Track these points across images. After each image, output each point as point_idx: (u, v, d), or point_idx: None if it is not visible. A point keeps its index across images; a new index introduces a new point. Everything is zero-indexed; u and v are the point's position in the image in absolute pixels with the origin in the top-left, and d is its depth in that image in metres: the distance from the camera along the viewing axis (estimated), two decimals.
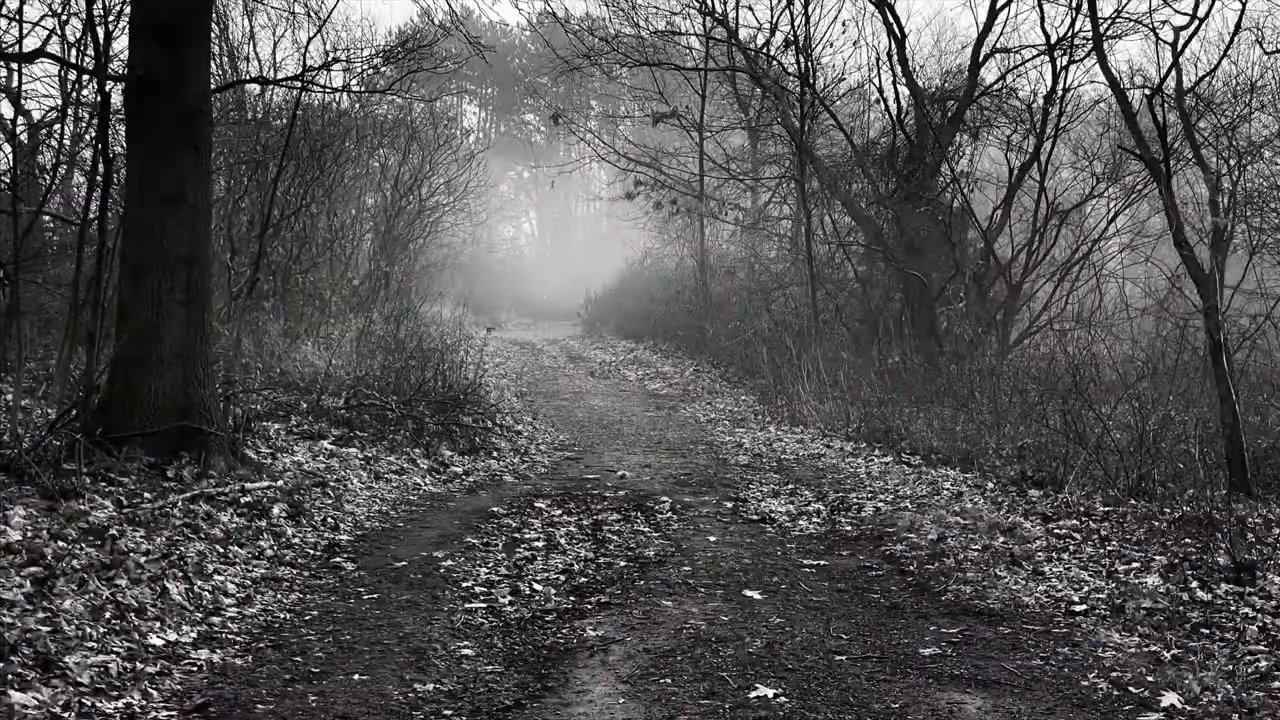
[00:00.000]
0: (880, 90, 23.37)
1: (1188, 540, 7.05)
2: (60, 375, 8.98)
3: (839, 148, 19.27)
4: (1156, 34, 12.01)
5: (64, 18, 12.20)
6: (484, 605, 5.95)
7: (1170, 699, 4.52)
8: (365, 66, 15.46)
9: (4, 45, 10.56)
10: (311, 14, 17.33)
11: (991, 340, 15.28)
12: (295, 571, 6.50)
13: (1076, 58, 15.50)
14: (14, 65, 11.96)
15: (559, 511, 8.57)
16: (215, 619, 5.44)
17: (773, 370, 16.32)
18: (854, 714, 4.40)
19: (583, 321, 30.08)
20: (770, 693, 4.59)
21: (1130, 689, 4.69)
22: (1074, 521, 7.75)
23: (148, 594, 5.40)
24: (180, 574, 5.81)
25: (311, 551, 6.98)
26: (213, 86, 9.28)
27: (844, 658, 5.10)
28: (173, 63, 7.80)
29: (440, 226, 25.24)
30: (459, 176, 24.60)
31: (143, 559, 5.76)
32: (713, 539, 7.68)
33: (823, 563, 7.04)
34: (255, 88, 16.10)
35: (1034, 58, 16.60)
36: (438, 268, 27.20)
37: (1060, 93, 15.60)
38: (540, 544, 7.42)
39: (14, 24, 10.51)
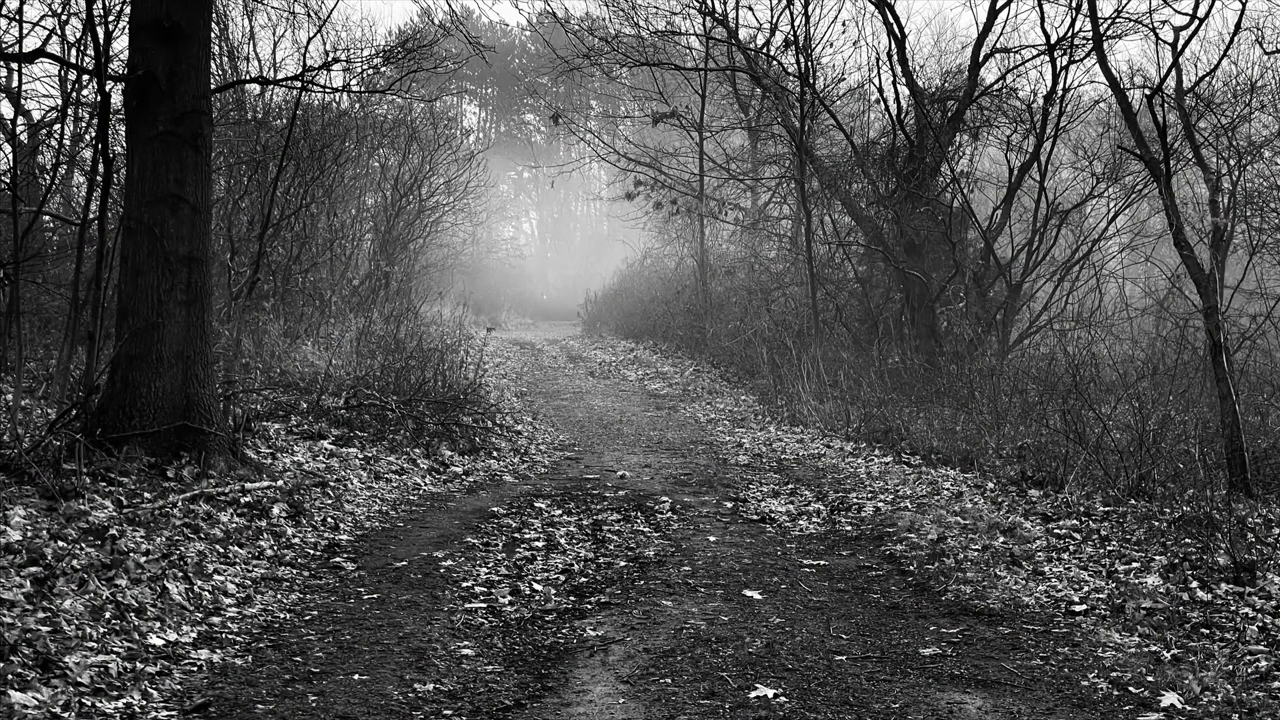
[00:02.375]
0: (880, 90, 23.44)
1: (1188, 540, 7.05)
2: (60, 375, 8.98)
3: (839, 148, 19.27)
4: (1156, 34, 12.06)
5: (64, 18, 12.23)
6: (484, 605, 5.95)
7: (1170, 699, 4.52)
8: (365, 66, 15.46)
9: (4, 45, 10.57)
10: (311, 14, 17.35)
11: (991, 340, 15.28)
12: (295, 571, 6.50)
13: (1076, 58, 15.51)
14: (14, 65, 11.97)
15: (559, 511, 8.57)
16: (215, 619, 5.44)
17: (773, 370, 16.32)
18: (854, 714, 4.40)
19: (583, 321, 30.09)
20: (770, 693, 4.59)
21: (1130, 689, 4.69)
22: (1074, 521, 7.76)
23: (148, 594, 5.40)
24: (180, 574, 5.81)
25: (311, 551, 6.98)
26: (213, 86, 9.27)
27: (844, 658, 5.10)
28: (173, 62, 7.81)
29: (440, 226, 25.23)
30: (459, 176, 24.59)
31: (143, 559, 5.76)
32: (713, 539, 7.68)
33: (823, 563, 7.04)
34: (255, 88, 16.11)
35: (1034, 58, 16.62)
36: (438, 268, 27.19)
37: (1060, 93, 15.61)
38: (540, 544, 7.42)
39: (14, 24, 10.52)
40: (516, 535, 7.71)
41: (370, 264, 20.30)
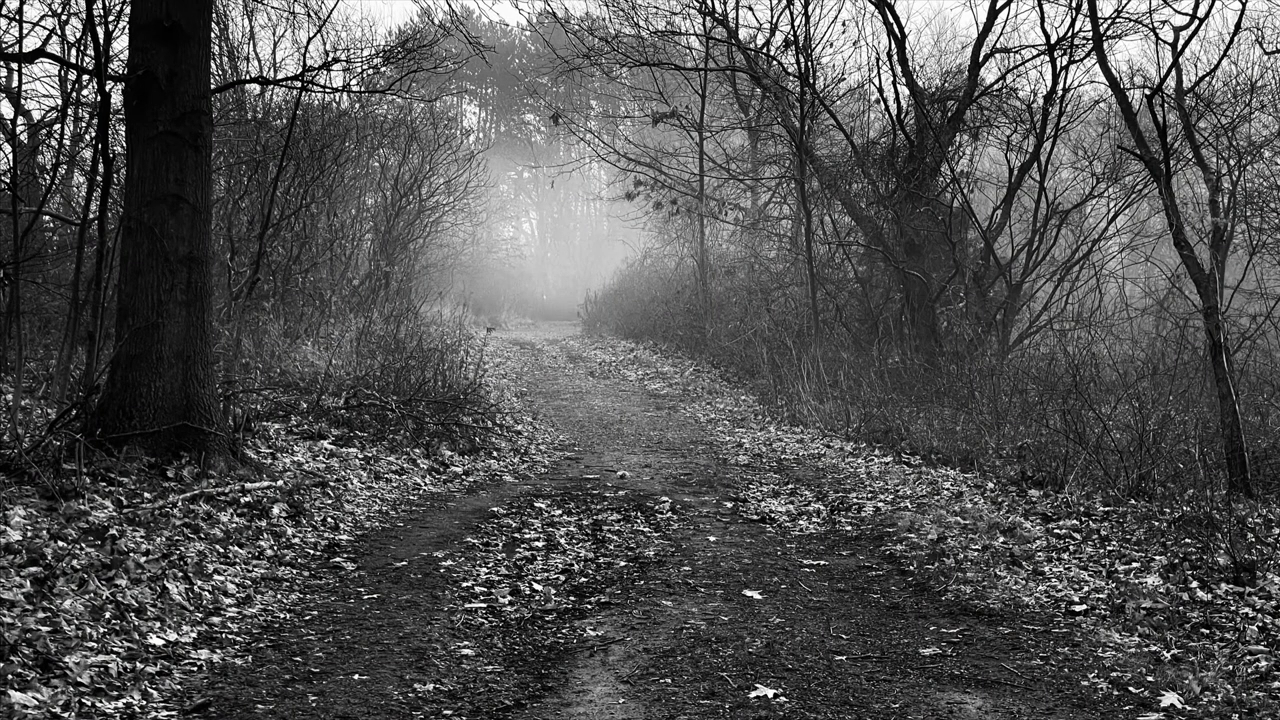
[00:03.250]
0: (880, 90, 23.43)
1: (1188, 540, 7.05)
2: (60, 375, 8.99)
3: (839, 148, 19.28)
4: (1156, 34, 12.06)
5: (64, 18, 12.24)
6: (484, 605, 5.95)
7: (1170, 699, 4.52)
8: (365, 66, 15.46)
9: (4, 45, 10.57)
10: (311, 14, 17.36)
11: (991, 340, 15.28)
12: (295, 571, 6.50)
13: (1076, 58, 15.51)
14: (14, 65, 11.97)
15: (559, 511, 8.57)
16: (215, 619, 5.44)
17: (773, 370, 16.32)
18: (854, 714, 4.40)
19: (583, 321, 30.08)
20: (770, 693, 4.59)
21: (1130, 689, 4.69)
22: (1074, 521, 7.76)
23: (148, 594, 5.40)
24: (180, 574, 5.81)
25: (311, 551, 6.98)
26: (213, 86, 9.27)
27: (844, 658, 5.10)
28: (173, 62, 7.81)
29: (440, 226, 25.23)
30: (459, 176, 24.60)
31: (143, 559, 5.76)
32: (713, 539, 7.68)
33: (823, 563, 7.04)
34: (255, 88, 16.11)
35: (1034, 58, 16.62)
36: (438, 268, 27.19)
37: (1060, 93, 15.61)
38: (540, 544, 7.42)
39: (14, 24, 10.52)
40: (516, 535, 7.71)
41: (370, 264, 20.31)
